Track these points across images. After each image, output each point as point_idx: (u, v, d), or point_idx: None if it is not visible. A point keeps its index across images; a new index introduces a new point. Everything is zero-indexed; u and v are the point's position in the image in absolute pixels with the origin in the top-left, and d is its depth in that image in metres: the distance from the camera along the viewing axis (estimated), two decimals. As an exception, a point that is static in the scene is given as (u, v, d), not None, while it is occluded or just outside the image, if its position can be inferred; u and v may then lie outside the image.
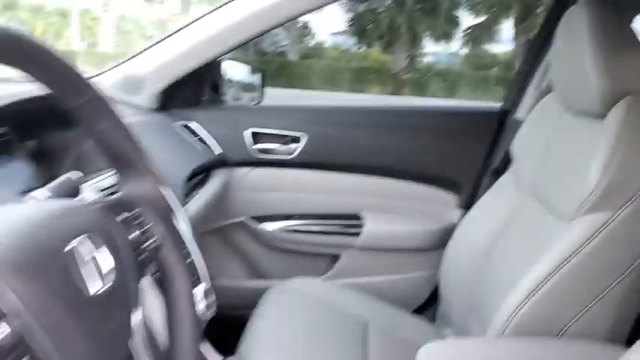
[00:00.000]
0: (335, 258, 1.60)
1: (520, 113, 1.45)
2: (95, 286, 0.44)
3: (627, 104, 0.90)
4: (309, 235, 1.58)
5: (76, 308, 0.41)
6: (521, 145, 1.26)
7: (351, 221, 1.57)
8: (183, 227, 0.83)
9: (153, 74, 1.40)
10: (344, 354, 1.14)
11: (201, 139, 1.48)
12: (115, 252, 0.49)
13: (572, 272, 0.89)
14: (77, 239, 0.45)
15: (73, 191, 0.59)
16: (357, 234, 1.55)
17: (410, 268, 1.58)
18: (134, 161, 0.59)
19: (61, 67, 0.50)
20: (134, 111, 1.36)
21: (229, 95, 1.73)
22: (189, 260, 0.90)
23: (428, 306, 1.59)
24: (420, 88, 14.09)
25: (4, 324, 0.35)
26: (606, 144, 0.89)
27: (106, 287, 0.46)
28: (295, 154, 1.55)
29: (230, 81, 1.74)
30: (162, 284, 0.62)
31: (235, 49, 1.41)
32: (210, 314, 0.92)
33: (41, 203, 0.52)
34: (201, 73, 1.49)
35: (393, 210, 1.58)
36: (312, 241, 1.59)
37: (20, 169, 0.93)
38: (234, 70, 1.71)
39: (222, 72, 1.64)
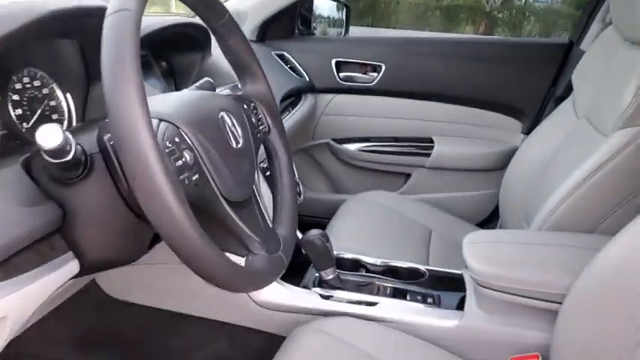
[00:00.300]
0: (407, 176, 1.81)
1: (584, 45, 1.54)
2: (234, 143, 0.69)
3: None
4: (385, 155, 1.79)
5: (224, 153, 0.66)
6: (581, 73, 1.37)
7: (422, 143, 1.76)
8: None
9: (253, 9, 1.63)
10: (408, 249, 1.35)
11: (292, 68, 1.71)
12: (242, 127, 0.73)
13: (603, 178, 1.04)
14: (222, 112, 0.69)
15: (213, 90, 0.84)
16: (428, 155, 1.74)
17: (474, 187, 1.76)
18: (253, 69, 0.82)
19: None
20: None
21: (318, 29, 1.93)
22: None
23: (490, 221, 1.77)
24: (514, 28, 13.39)
25: (188, 151, 0.60)
26: None
27: (239, 145, 0.70)
28: (375, 82, 1.75)
29: (320, 15, 1.95)
30: (270, 160, 0.87)
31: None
32: (300, 200, 1.17)
33: (194, 90, 0.77)
34: (294, 8, 1.70)
35: (462, 134, 1.76)
36: (387, 161, 1.80)
37: (156, 85, 1.20)
38: (323, 6, 1.91)
39: (312, 7, 1.85)
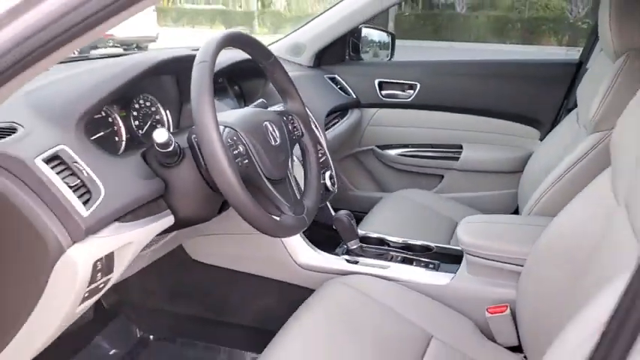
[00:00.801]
0: (440, 177, 2.11)
1: (589, 64, 1.77)
2: (273, 142, 1.04)
3: (626, 56, 1.26)
4: (421, 159, 2.11)
5: (267, 148, 1.01)
6: (582, 88, 1.61)
7: (453, 149, 2.05)
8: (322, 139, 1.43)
9: (310, 41, 1.99)
10: (434, 235, 1.62)
11: (342, 88, 2.06)
12: (281, 131, 1.08)
13: (575, 175, 1.29)
14: (267, 122, 1.04)
15: (265, 107, 1.20)
16: (457, 159, 2.03)
17: (498, 187, 2.02)
18: (291, 93, 1.16)
19: (258, 46, 1.09)
20: (298, 67, 1.98)
21: (368, 54, 2.28)
22: (323, 158, 1.49)
23: (513, 218, 2.01)
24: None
25: (242, 145, 0.96)
26: (607, 82, 1.27)
27: (276, 143, 1.05)
28: (411, 98, 2.07)
29: (372, 41, 2.29)
30: (303, 155, 1.20)
31: (372, 18, 1.94)
32: (334, 190, 1.50)
33: (251, 108, 1.14)
34: (344, 38, 2.05)
35: (487, 141, 2.03)
36: (422, 164, 2.11)
37: (229, 104, 1.58)
38: (371, 35, 2.25)
39: (361, 36, 2.19)
